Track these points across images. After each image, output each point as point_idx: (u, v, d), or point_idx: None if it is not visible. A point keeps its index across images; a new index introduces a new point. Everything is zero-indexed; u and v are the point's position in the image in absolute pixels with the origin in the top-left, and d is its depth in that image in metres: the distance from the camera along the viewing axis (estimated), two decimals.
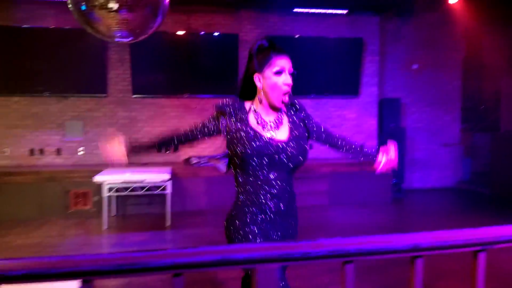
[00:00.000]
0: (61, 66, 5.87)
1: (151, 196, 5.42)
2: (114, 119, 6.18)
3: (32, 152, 5.92)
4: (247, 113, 1.74)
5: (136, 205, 5.60)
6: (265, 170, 1.69)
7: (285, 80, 1.67)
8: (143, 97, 6.25)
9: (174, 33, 6.20)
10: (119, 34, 4.10)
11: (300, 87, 6.49)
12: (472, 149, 7.42)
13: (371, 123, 6.99)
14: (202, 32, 6.32)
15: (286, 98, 1.69)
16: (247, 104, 1.76)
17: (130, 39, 4.23)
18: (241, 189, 1.77)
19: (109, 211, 5.19)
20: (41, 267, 0.81)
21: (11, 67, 5.75)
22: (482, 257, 1.08)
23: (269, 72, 1.67)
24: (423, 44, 7.23)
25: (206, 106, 6.44)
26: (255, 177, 1.69)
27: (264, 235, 1.66)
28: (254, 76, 1.70)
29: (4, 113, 5.86)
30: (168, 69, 6.28)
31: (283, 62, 1.68)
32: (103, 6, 3.75)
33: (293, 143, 1.71)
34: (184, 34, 6.26)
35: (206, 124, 1.85)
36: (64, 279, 0.83)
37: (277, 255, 0.87)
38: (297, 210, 1.82)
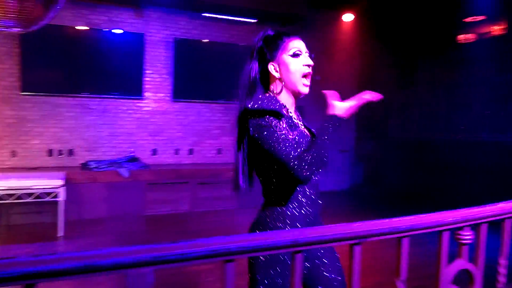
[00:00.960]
0: None
1: (41, 204, 4.89)
2: None
3: None
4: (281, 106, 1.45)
5: (23, 214, 5.00)
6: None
7: (305, 61, 1.46)
8: (34, 95, 5.64)
9: (74, 28, 5.74)
10: (5, 24, 3.68)
11: (209, 93, 6.51)
12: (365, 154, 8.13)
13: None
14: (106, 29, 5.95)
15: (308, 81, 1.48)
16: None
17: (18, 30, 3.82)
18: (285, 202, 1.46)
19: None
20: None
21: None
22: (357, 250, 1.14)
23: (285, 56, 1.45)
24: (324, 57, 7.74)
25: (108, 108, 6.06)
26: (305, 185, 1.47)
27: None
28: (268, 66, 1.48)
29: None
30: (65, 65, 5.78)
31: (298, 43, 1.47)
32: None
33: None
34: (85, 29, 5.83)
35: (285, 132, 1.39)
36: None
37: (150, 258, 0.80)
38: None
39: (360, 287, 1.14)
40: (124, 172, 5.45)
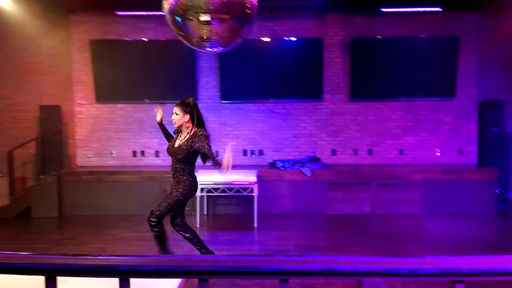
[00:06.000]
0: (157, 75, 6.39)
1: (239, 197, 5.65)
2: (205, 124, 6.55)
3: (134, 153, 6.57)
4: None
5: (225, 206, 5.88)
6: None
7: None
8: (231, 103, 6.53)
9: (260, 40, 6.37)
10: (210, 44, 4.38)
11: (388, 90, 6.28)
12: None
13: (470, 127, 6.43)
14: (287, 38, 6.41)
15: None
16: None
17: (220, 48, 4.49)
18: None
19: (201, 210, 5.52)
20: (166, 265, 0.92)
21: (116, 77, 6.41)
22: None
23: None
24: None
25: (291, 111, 6.52)
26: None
27: None
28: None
29: (111, 118, 6.59)
30: (254, 75, 6.46)
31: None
32: (196, 19, 4.05)
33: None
34: (269, 40, 6.41)
35: None
36: (185, 277, 0.93)
37: (383, 269, 0.87)
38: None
39: None
40: (307, 171, 5.78)
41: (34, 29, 6.56)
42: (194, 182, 3.54)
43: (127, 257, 0.92)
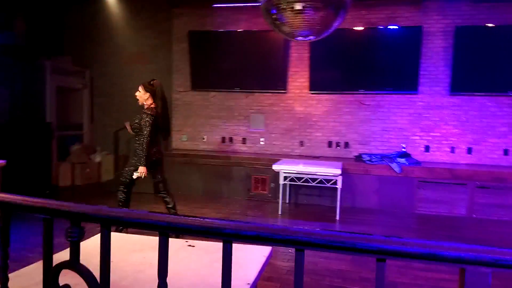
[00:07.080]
0: (249, 65, 6.59)
1: (321, 188, 5.62)
2: (291, 114, 6.61)
3: (223, 139, 6.89)
4: None
5: (307, 196, 5.89)
6: None
7: None
8: (319, 93, 6.48)
9: (352, 29, 6.19)
10: (302, 34, 4.39)
11: (494, 84, 5.67)
12: None
13: None
14: (380, 26, 6.13)
15: None
16: None
17: (312, 37, 4.46)
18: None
19: (283, 198, 5.61)
20: (266, 232, 0.98)
21: (210, 67, 6.76)
22: None
23: None
24: None
25: (382, 103, 6.25)
26: None
27: None
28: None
29: (204, 105, 6.97)
30: (344, 65, 6.32)
31: None
32: (290, 8, 4.09)
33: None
34: (362, 29, 6.19)
35: None
36: (282, 245, 0.98)
37: (492, 259, 0.82)
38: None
39: None
40: (396, 167, 5.52)
41: (139, 21, 7.20)
42: (149, 158, 3.88)
43: (231, 222, 0.99)
